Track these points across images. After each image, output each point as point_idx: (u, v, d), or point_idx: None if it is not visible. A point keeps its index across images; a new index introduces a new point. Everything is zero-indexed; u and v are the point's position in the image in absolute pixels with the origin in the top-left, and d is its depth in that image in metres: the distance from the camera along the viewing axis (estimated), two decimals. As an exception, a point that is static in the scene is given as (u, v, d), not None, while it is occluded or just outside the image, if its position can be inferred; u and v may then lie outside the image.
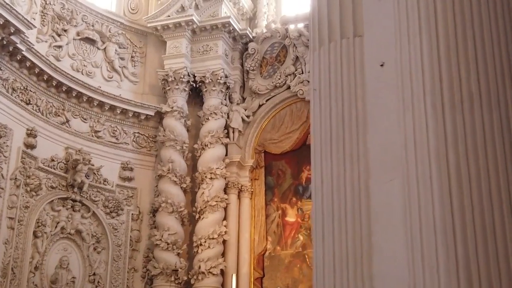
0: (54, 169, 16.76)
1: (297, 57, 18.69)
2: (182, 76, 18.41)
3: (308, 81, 18.37)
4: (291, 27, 18.63)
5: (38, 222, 16.14)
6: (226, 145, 18.49)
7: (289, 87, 18.74)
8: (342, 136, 4.94)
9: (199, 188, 17.98)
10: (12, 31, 15.08)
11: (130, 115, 18.34)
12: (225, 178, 18.08)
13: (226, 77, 18.59)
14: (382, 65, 4.82)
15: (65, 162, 16.96)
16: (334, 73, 5.11)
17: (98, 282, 17.07)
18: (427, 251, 4.04)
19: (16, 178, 15.62)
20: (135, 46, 19.23)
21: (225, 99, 18.74)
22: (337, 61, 5.12)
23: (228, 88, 18.78)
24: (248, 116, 18.88)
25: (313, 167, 5.15)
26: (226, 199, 17.97)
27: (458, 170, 4.08)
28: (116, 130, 18.25)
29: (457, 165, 4.09)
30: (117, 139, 18.24)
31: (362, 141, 4.87)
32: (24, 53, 15.80)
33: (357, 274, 4.57)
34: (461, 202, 4.03)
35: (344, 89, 5.04)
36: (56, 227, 16.56)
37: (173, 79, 18.39)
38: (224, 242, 17.73)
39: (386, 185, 4.59)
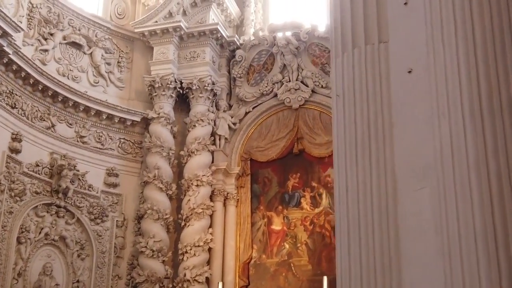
0: (39, 174, 16.51)
1: (284, 65, 18.66)
2: (169, 82, 18.29)
3: (296, 89, 18.42)
4: (279, 35, 18.59)
5: (22, 228, 15.88)
6: (212, 152, 18.38)
7: (276, 95, 18.71)
8: (367, 143, 4.89)
9: (185, 195, 17.84)
10: (-1, 34, 14.89)
11: (116, 121, 18.16)
12: (211, 186, 17.97)
13: (213, 84, 18.50)
14: (410, 72, 4.77)
15: (50, 168, 16.72)
16: (358, 79, 5.06)
17: (82, 289, 16.86)
18: (467, 262, 3.99)
19: (0, 183, 15.37)
20: (122, 51, 19.07)
21: (212, 106, 18.64)
22: (362, 67, 5.07)
23: (215, 95, 18.69)
24: (234, 124, 18.80)
25: (337, 174, 5.08)
26: (212, 206, 17.85)
27: (499, 179, 4.04)
28: (101, 136, 18.06)
29: (498, 173, 4.05)
30: (102, 144, 18.05)
31: (388, 148, 4.81)
32: (11, 56, 15.55)
33: (386, 285, 4.51)
34: (503, 211, 3.98)
35: (369, 95, 4.99)
36: (40, 233, 16.29)
37: (160, 85, 18.27)
38: (209, 249, 17.60)
39: (415, 194, 4.53)
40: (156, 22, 18.71)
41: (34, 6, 17.08)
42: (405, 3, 4.95)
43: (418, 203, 4.52)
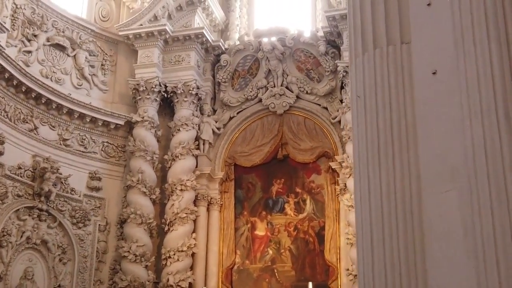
0: (21, 177, 16.30)
1: (269, 70, 18.67)
2: (153, 86, 18.16)
3: (281, 95, 18.41)
4: (264, 40, 18.58)
5: (3, 231, 15.66)
6: (196, 157, 18.28)
7: (260, 100, 18.73)
8: (390, 144, 4.84)
9: (168, 199, 17.72)
10: (-16, 34, 14.69)
11: (100, 124, 17.99)
12: (195, 190, 17.86)
13: (198, 88, 18.42)
14: (434, 73, 4.75)
15: (32, 170, 16.50)
16: (380, 80, 5.02)
17: (64, 294, 16.64)
18: (504, 264, 3.95)
19: (-18, 186, 15.17)
20: (106, 54, 18.91)
21: (196, 111, 18.54)
22: (384, 68, 5.03)
23: (199, 99, 18.60)
24: (218, 128, 18.75)
25: (358, 176, 5.03)
26: (195, 211, 17.74)
27: (537, 180, 4.03)
28: (84, 139, 17.88)
29: (535, 175, 4.04)
30: (85, 148, 17.87)
31: (412, 150, 4.77)
32: (-5, 57, 15.38)
33: (412, 290, 4.46)
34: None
35: (391, 96, 4.94)
36: (21, 236, 16.07)
37: (144, 88, 18.14)
38: (192, 255, 17.49)
39: (441, 196, 4.49)
40: (141, 25, 18.59)
41: (18, 7, 16.88)
42: (428, 4, 4.94)
43: (445, 205, 4.48)
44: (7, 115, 16.10)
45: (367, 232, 4.80)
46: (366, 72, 5.13)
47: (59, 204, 16.96)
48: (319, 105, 18.30)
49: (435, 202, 4.56)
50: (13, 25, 16.71)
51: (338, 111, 17.86)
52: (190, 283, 17.23)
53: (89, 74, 18.36)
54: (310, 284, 16.04)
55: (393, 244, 4.63)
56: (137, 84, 18.21)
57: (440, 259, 4.44)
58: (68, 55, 18.06)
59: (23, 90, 16.39)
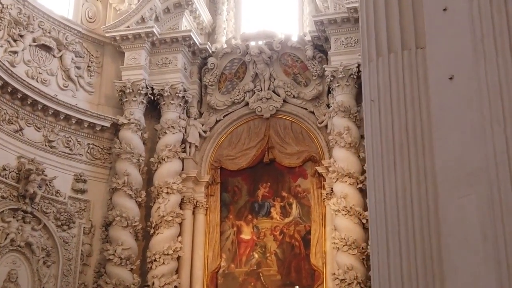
0: (6, 178, 16.12)
1: (256, 74, 18.66)
2: (140, 88, 18.05)
3: (267, 99, 18.40)
4: (252, 43, 18.55)
5: (-13, 234, 15.50)
6: (182, 160, 18.20)
7: (247, 104, 18.70)
8: (406, 148, 4.84)
9: (154, 202, 17.61)
10: (-29, 34, 14.52)
11: (85, 126, 17.84)
12: (180, 193, 17.77)
13: (185, 91, 18.35)
14: (451, 78, 4.76)
15: (17, 172, 16.33)
16: (395, 84, 5.02)
17: (48, 297, 16.46)
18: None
19: (-34, 187, 14.99)
20: (92, 55, 18.77)
21: (183, 113, 18.47)
22: (399, 72, 5.03)
23: (186, 102, 18.53)
24: (205, 131, 18.70)
25: (372, 179, 5.02)
26: (181, 214, 17.65)
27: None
28: (70, 141, 17.72)
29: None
30: (71, 149, 17.71)
31: (428, 154, 4.78)
32: (-20, 57, 15.21)
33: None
34: None
35: (406, 100, 4.95)
36: (5, 239, 15.88)
37: (131, 90, 18.02)
38: (178, 258, 17.40)
39: (459, 200, 4.50)
40: (128, 27, 18.49)
41: (5, 6, 16.70)
42: (444, 9, 4.95)
43: (463, 210, 4.48)
44: (-8, 116, 15.94)
45: (382, 239, 4.78)
46: (381, 76, 5.13)
47: (44, 206, 16.78)
48: (306, 109, 18.32)
49: (452, 207, 4.56)
50: (-1, 25, 16.55)
51: (325, 115, 17.89)
52: (175, 287, 17.13)
53: (75, 76, 18.22)
54: (297, 288, 16.04)
55: (409, 251, 4.63)
56: (124, 86, 18.09)
57: (458, 266, 4.44)
58: (54, 56, 17.90)
59: (9, 91, 16.22)
